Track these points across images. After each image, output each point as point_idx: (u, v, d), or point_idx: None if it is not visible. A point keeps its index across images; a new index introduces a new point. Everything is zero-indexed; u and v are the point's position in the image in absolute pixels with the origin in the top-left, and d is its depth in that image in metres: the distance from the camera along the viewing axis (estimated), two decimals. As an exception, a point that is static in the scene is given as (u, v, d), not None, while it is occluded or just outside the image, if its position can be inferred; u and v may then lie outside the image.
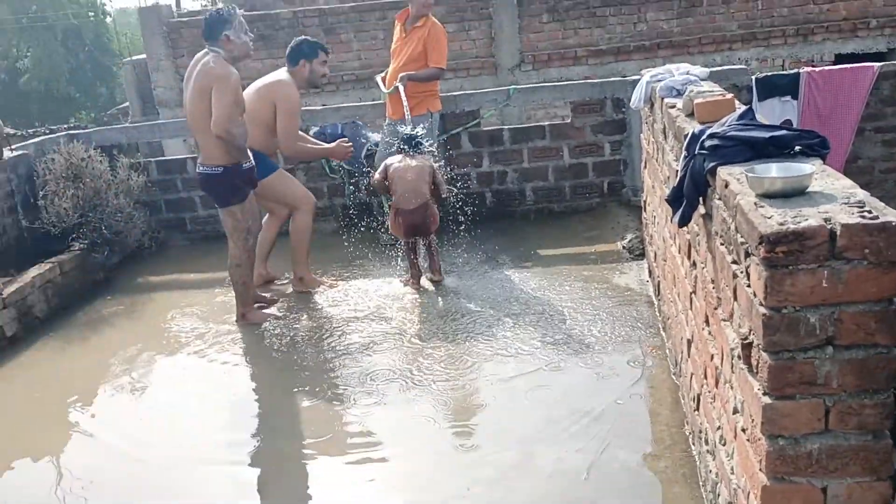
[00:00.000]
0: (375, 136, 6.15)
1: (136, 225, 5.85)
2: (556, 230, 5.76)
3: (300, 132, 5.06)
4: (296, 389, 3.79)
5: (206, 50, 4.21)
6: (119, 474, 3.22)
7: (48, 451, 3.46)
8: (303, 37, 5.14)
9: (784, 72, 5.83)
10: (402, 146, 4.91)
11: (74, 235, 5.48)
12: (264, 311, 4.67)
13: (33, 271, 4.99)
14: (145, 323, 4.86)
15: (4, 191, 5.44)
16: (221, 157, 4.21)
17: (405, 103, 5.27)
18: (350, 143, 5.14)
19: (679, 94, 3.46)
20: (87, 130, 6.90)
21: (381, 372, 3.83)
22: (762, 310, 1.67)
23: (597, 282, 4.69)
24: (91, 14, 32.68)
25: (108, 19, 35.24)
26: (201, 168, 4.33)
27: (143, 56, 14.77)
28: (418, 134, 4.98)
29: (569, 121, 6.03)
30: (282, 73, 4.90)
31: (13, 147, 5.91)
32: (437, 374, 3.74)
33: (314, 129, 6.17)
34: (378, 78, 5.86)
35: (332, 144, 5.14)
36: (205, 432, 3.49)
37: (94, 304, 5.22)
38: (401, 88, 5.35)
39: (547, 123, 6.21)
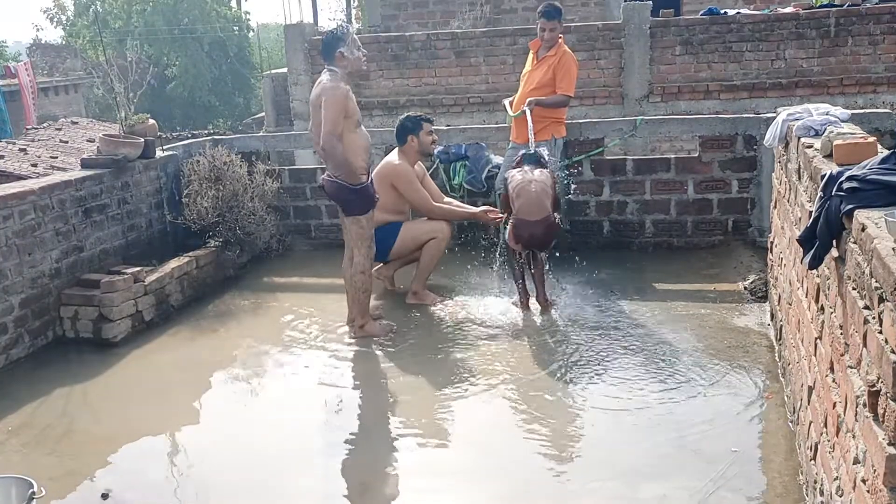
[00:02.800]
0: (497, 159, 6.26)
1: (267, 228, 6.20)
2: (674, 265, 5.65)
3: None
4: (399, 398, 3.91)
5: (324, 70, 4.43)
6: (226, 458, 3.43)
7: (168, 428, 3.74)
8: (405, 115, 5.33)
9: (934, 118, 5.50)
10: (523, 162, 5.02)
11: (211, 233, 5.87)
12: (380, 322, 4.82)
13: (173, 263, 5.39)
14: (267, 320, 5.14)
15: (154, 187, 5.91)
16: (338, 174, 4.39)
17: (530, 128, 5.36)
18: (497, 210, 5.30)
19: (817, 134, 3.35)
20: (229, 137, 7.39)
21: (484, 391, 3.89)
22: (893, 357, 1.62)
23: (715, 321, 4.57)
24: (236, 28, 34.81)
25: (251, 34, 37.41)
26: (327, 177, 4.50)
27: (281, 70, 15.63)
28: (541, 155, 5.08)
29: (696, 155, 5.92)
30: (393, 156, 5.20)
31: (164, 148, 6.41)
32: (540, 399, 3.76)
33: (438, 149, 6.35)
34: (506, 102, 5.97)
35: (478, 209, 5.34)
36: (309, 428, 3.66)
37: (224, 298, 5.56)
38: (528, 113, 5.44)
39: (673, 156, 6.13)
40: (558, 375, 4.00)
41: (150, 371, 4.41)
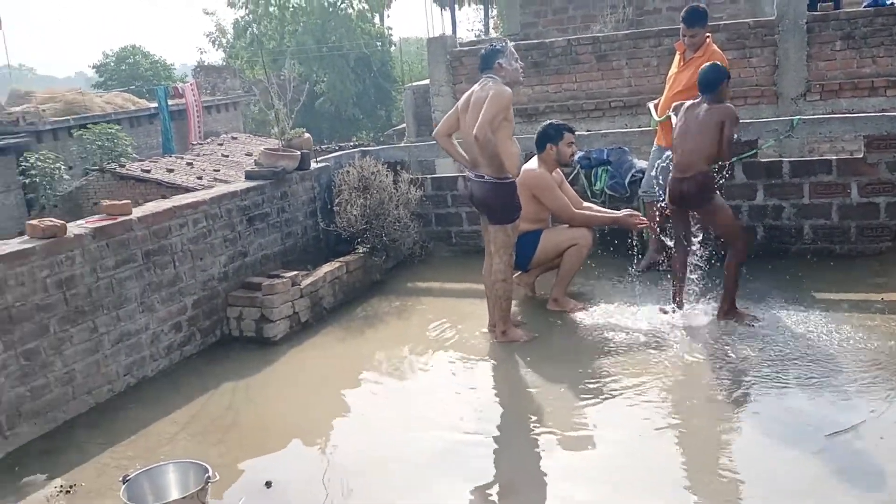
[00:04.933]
0: (641, 163, 6.13)
1: (410, 234, 6.40)
2: (836, 273, 5.29)
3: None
4: (541, 403, 3.92)
5: (483, 78, 4.56)
6: (373, 454, 3.57)
7: (321, 423, 3.95)
8: (548, 121, 5.32)
9: None
10: None
11: (359, 239, 6.14)
12: (522, 329, 4.84)
13: (325, 268, 5.69)
14: (412, 323, 5.30)
15: (309, 196, 6.26)
16: (491, 169, 4.44)
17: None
18: (639, 214, 5.23)
19: None
20: (376, 148, 7.70)
21: (629, 399, 3.82)
22: None
23: (883, 333, 4.24)
24: (379, 44, 36.16)
25: (393, 48, 38.70)
26: (478, 177, 4.55)
27: (421, 82, 16.05)
28: None
29: (860, 156, 5.52)
30: (532, 163, 5.18)
31: (318, 160, 6.78)
32: (695, 413, 3.65)
33: (579, 154, 6.31)
34: (650, 105, 5.84)
35: (620, 213, 5.26)
36: (452, 429, 3.73)
37: (371, 301, 5.79)
38: (672, 117, 5.29)
39: (834, 158, 5.75)
40: (708, 385, 3.86)
41: (306, 368, 4.68)
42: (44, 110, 19.85)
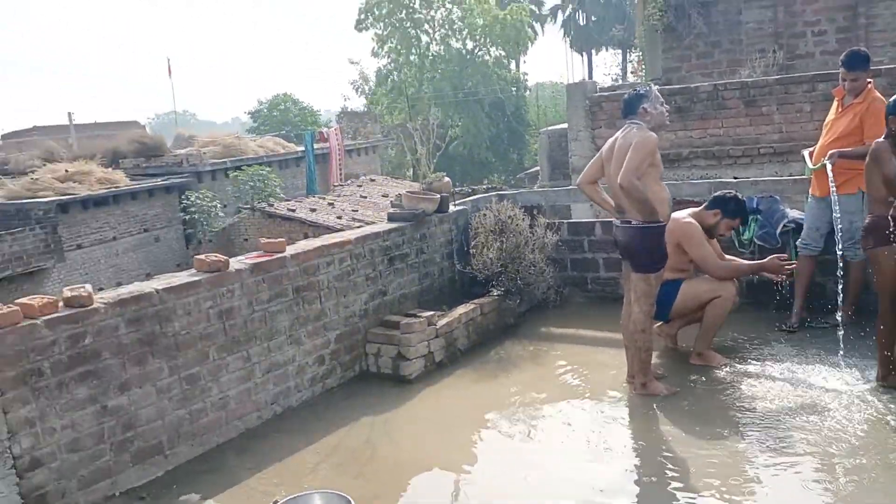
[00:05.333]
0: (794, 213, 5.83)
1: (545, 279, 6.38)
2: None
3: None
4: (679, 462, 3.75)
5: (627, 124, 4.51)
6: (503, 494, 3.57)
7: (454, 461, 4.00)
8: (734, 194, 5.11)
9: None
10: None
11: (494, 282, 6.19)
12: (663, 382, 4.68)
13: (460, 309, 5.77)
14: (545, 370, 5.25)
15: (446, 238, 6.40)
16: (639, 213, 4.36)
17: (831, 181, 4.94)
18: (785, 257, 5.01)
19: None
20: (513, 192, 7.77)
21: (781, 467, 3.59)
22: None
23: None
24: (513, 88, 36.72)
25: (527, 93, 39.16)
26: (628, 222, 4.47)
27: (556, 126, 16.10)
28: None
29: None
30: (684, 213, 5.07)
31: (456, 202, 6.93)
32: (850, 487, 3.37)
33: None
34: (805, 153, 5.57)
35: (766, 260, 5.03)
36: (583, 482, 3.65)
37: (504, 344, 5.80)
38: (828, 166, 5.02)
39: None
40: (873, 461, 3.55)
41: (441, 408, 4.74)
42: (204, 153, 21.57)
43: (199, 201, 18.94)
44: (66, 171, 18.34)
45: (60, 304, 3.59)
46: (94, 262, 17.77)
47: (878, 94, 5.20)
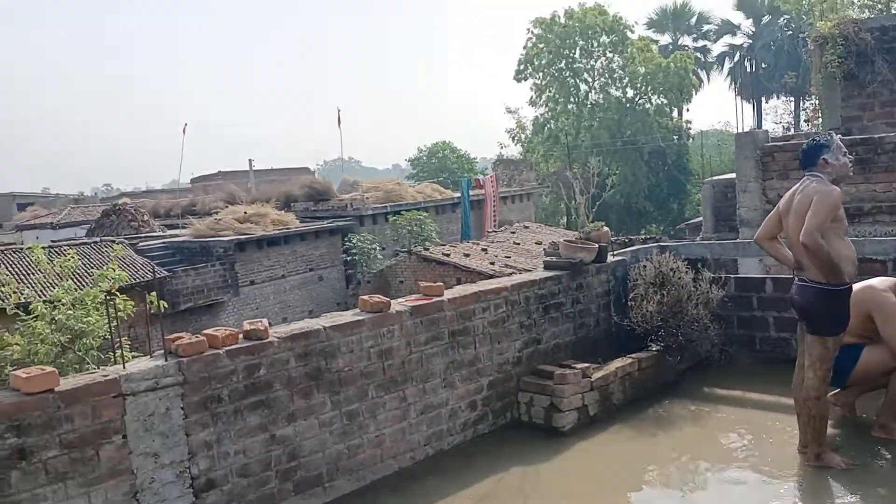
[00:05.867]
0: None
1: (709, 336, 6.07)
2: None
3: None
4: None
5: (806, 177, 4.25)
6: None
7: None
8: None
9: None
10: None
11: (653, 337, 5.98)
12: (839, 455, 4.29)
13: (617, 363, 5.61)
14: (707, 432, 4.98)
15: (603, 289, 6.29)
16: (821, 275, 4.09)
17: None
18: None
19: None
20: (675, 243, 7.53)
21: None
22: None
23: None
24: (675, 137, 35.77)
25: (690, 141, 37.98)
26: (807, 282, 4.21)
27: (722, 176, 15.45)
28: None
29: None
30: (883, 281, 4.73)
31: (614, 253, 6.81)
32: None
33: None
34: None
35: None
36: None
37: (663, 402, 5.56)
38: None
39: None
40: None
41: (594, 464, 4.60)
42: (367, 197, 22.71)
43: (360, 243, 19.90)
44: (245, 212, 19.94)
45: (240, 336, 3.88)
46: (263, 298, 19.06)
47: None
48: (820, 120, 12.54)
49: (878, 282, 4.70)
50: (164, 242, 19.62)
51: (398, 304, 4.68)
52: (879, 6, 29.33)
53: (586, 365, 5.38)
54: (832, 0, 29.69)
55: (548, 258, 6.34)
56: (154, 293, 7.51)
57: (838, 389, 4.81)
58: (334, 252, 20.84)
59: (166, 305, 14.22)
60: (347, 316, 4.45)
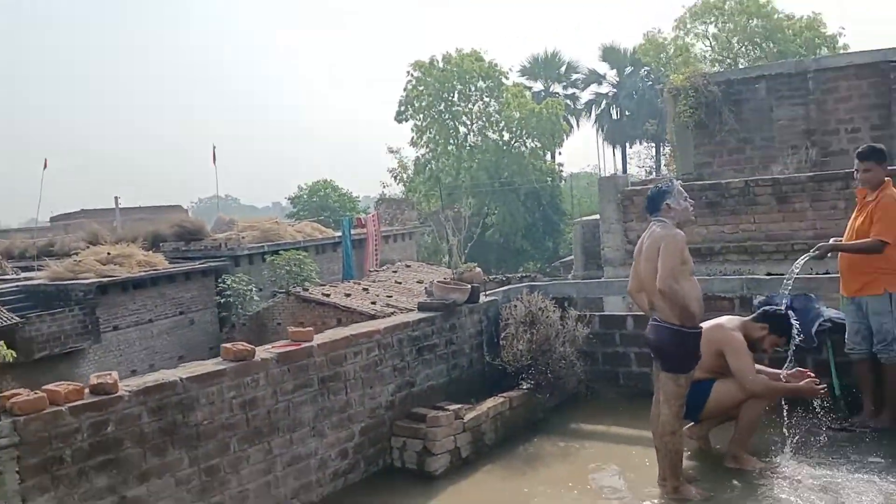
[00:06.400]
0: (830, 312, 5.70)
1: (575, 373, 6.27)
2: None
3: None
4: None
5: (652, 221, 4.49)
6: None
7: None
8: (776, 311, 5.03)
9: None
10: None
11: (524, 375, 6.09)
12: (695, 486, 4.49)
13: (489, 402, 5.66)
14: (575, 468, 5.09)
15: (476, 329, 6.37)
16: (675, 317, 4.30)
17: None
18: (820, 383, 4.85)
19: None
20: (544, 283, 7.77)
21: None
22: None
23: None
24: (549, 178, 37.21)
25: (562, 183, 39.61)
26: (658, 322, 4.41)
27: (590, 217, 16.18)
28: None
29: None
30: (732, 321, 4.99)
31: (487, 292, 6.92)
32: None
33: (759, 299, 5.99)
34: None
35: (802, 384, 4.82)
36: None
37: (532, 440, 5.65)
38: (807, 257, 5.20)
39: None
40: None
41: (465, 507, 4.59)
42: (243, 237, 22.07)
43: (234, 285, 19.25)
44: (108, 253, 18.86)
45: (86, 390, 3.62)
46: (129, 344, 18.00)
47: (894, 192, 5.18)
48: (673, 166, 13.42)
49: (726, 321, 5.01)
50: (16, 286, 18.20)
51: (264, 351, 4.53)
52: (728, 61, 31.98)
53: (459, 406, 5.40)
54: (686, 55, 32.18)
55: (421, 300, 6.37)
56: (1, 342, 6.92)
57: (693, 423, 5.05)
58: (207, 294, 20.04)
59: (15, 355, 13.18)
60: (208, 365, 4.26)
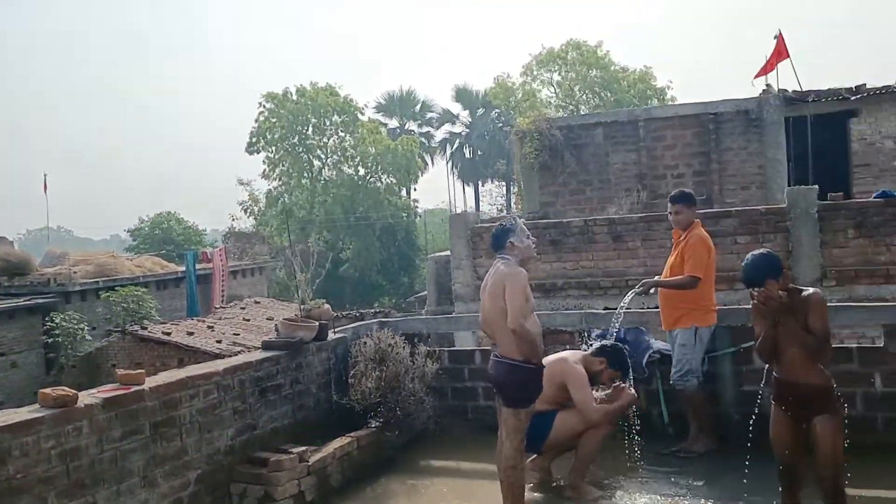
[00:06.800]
0: (659, 344, 6.11)
1: (425, 409, 6.28)
2: (866, 467, 5.04)
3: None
4: None
5: (497, 259, 4.63)
6: None
7: None
8: (613, 346, 5.32)
9: None
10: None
11: (373, 413, 6.03)
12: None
13: (336, 443, 5.55)
14: (423, 506, 5.07)
15: (324, 367, 6.24)
16: (517, 353, 4.41)
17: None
18: (625, 386, 5.18)
19: None
20: (395, 319, 7.76)
21: None
22: None
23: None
24: (404, 214, 37.60)
25: (417, 219, 40.16)
26: (498, 357, 4.51)
27: (443, 253, 16.48)
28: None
29: (881, 345, 5.45)
30: (574, 355, 5.24)
31: (336, 330, 6.82)
32: None
33: (596, 332, 6.31)
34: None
35: (623, 399, 5.08)
36: None
37: (381, 480, 5.59)
38: (633, 293, 5.71)
39: (855, 345, 5.69)
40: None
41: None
42: (75, 272, 20.47)
43: (64, 323, 17.75)
44: (-84, 288, 16.88)
45: None
46: (-63, 390, 16.12)
47: (702, 233, 5.71)
48: (519, 205, 14.00)
49: (569, 355, 5.23)
50: None
51: (88, 397, 4.18)
52: (571, 108, 33.98)
53: (304, 448, 5.23)
54: (533, 99, 33.87)
55: (266, 338, 6.17)
56: None
57: (535, 455, 5.20)
58: (32, 334, 18.33)
59: None
60: (22, 413, 3.87)
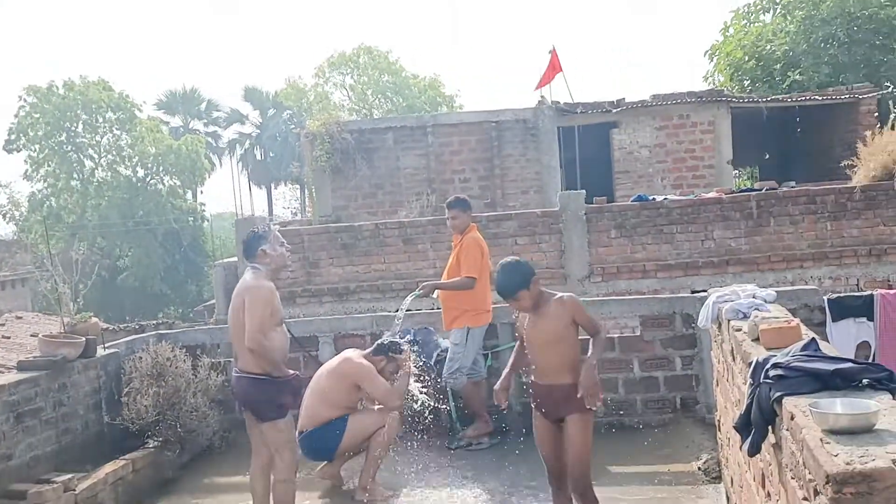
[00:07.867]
0: (446, 343, 6.31)
1: (210, 424, 5.98)
2: (627, 445, 5.58)
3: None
4: None
5: (248, 268, 4.38)
6: None
7: None
8: (390, 343, 5.29)
9: (857, 293, 5.81)
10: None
11: (150, 433, 5.63)
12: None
13: (107, 468, 5.11)
14: (207, 527, 4.82)
15: (92, 387, 5.72)
16: (256, 367, 4.22)
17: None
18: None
19: (745, 316, 3.50)
20: (175, 331, 7.31)
21: None
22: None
23: (672, 506, 4.46)
24: (191, 218, 35.62)
25: (205, 224, 38.25)
26: (238, 372, 4.31)
27: (232, 259, 15.86)
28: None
29: (638, 333, 6.06)
30: (354, 353, 5.18)
31: (107, 345, 6.28)
32: None
33: (388, 333, 6.38)
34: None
35: (400, 376, 5.14)
36: None
37: (160, 502, 5.23)
38: (413, 295, 5.87)
39: (617, 335, 6.27)
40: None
41: None
42: None
43: None
44: None
45: None
46: None
47: (476, 237, 6.03)
48: (315, 208, 13.85)
49: (352, 353, 5.21)
50: None
51: None
52: (364, 112, 34.25)
53: (69, 476, 4.77)
54: (325, 102, 33.69)
55: (23, 358, 5.54)
56: None
57: (325, 462, 5.14)
58: None
59: None
60: None
